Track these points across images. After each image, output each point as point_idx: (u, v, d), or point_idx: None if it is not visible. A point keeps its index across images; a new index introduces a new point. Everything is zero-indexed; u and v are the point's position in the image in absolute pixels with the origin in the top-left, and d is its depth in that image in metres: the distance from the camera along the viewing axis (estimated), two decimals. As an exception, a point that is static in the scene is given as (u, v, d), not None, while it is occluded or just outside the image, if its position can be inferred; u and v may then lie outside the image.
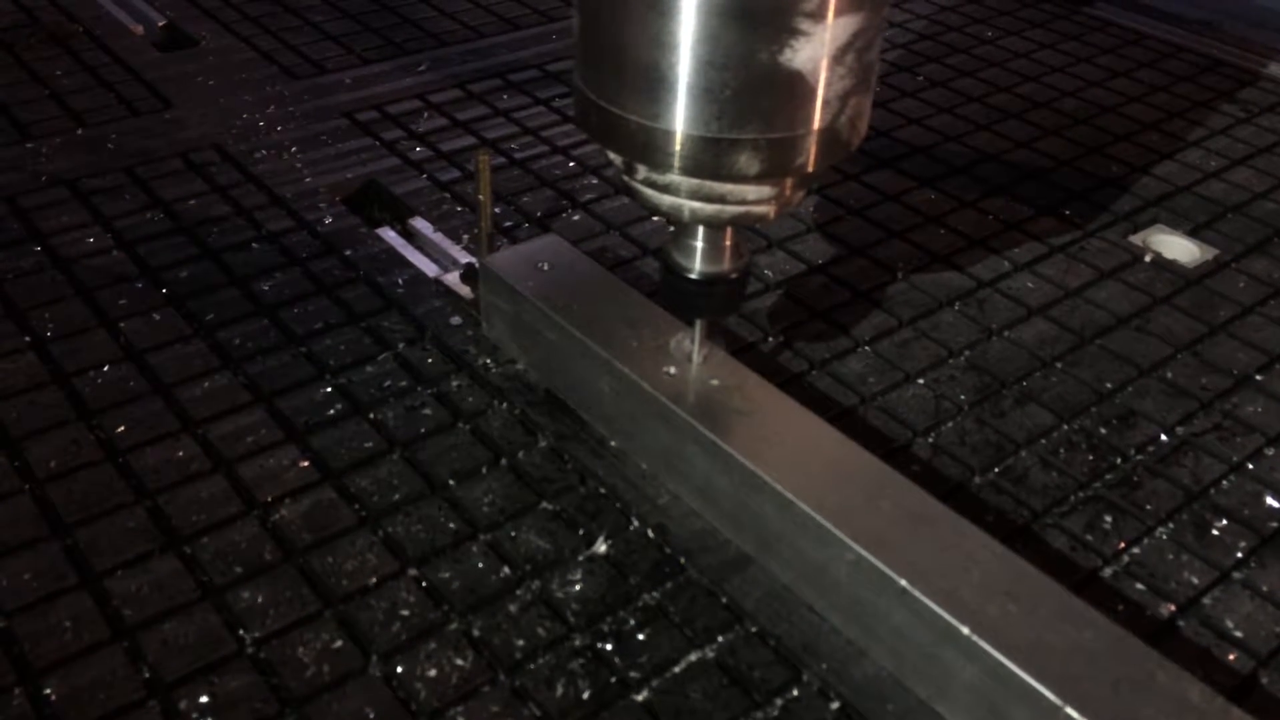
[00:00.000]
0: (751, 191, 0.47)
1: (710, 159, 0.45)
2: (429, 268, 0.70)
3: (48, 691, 0.44)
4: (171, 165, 0.78)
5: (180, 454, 0.55)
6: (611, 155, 0.49)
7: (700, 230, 0.51)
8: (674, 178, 0.47)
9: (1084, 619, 0.43)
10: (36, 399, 0.58)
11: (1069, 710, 0.40)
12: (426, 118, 0.86)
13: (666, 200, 0.49)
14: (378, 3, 1.05)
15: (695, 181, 0.46)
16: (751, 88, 0.43)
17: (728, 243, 0.52)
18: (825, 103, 0.44)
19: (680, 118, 0.44)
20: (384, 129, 0.85)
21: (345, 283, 0.68)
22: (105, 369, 0.60)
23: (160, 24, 1.00)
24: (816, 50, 0.43)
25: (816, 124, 0.45)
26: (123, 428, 0.56)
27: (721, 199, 0.47)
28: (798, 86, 0.43)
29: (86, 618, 0.47)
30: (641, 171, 0.48)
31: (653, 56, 0.44)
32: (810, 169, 0.46)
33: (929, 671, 0.45)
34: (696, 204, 0.48)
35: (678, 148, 0.45)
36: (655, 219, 0.75)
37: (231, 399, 0.58)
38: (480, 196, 0.62)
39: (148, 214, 0.73)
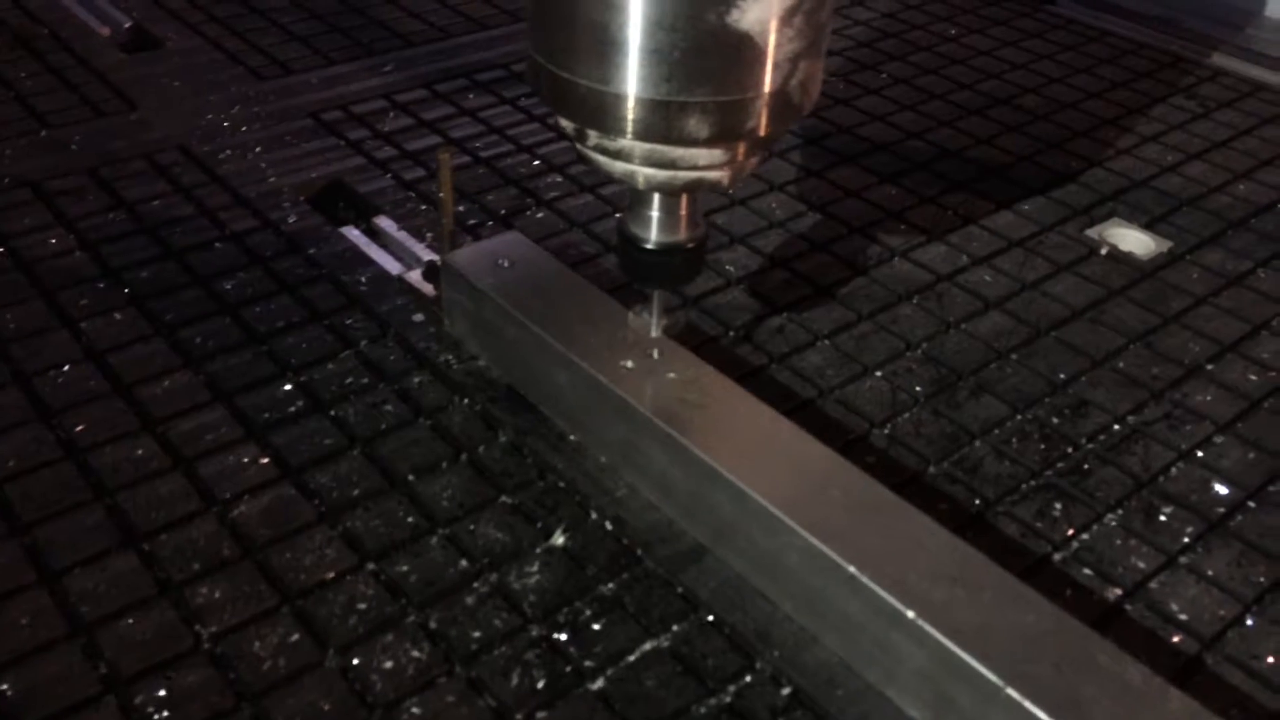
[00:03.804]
0: (703, 156, 0.47)
1: (661, 123, 0.45)
2: (392, 266, 0.70)
3: (4, 688, 0.44)
4: (135, 166, 0.78)
5: (140, 452, 0.55)
6: (563, 122, 0.49)
7: (655, 199, 0.51)
8: (626, 143, 0.47)
9: (1027, 603, 0.44)
10: (-4, 399, 0.58)
11: (1010, 691, 0.41)
12: (392, 117, 0.87)
13: (619, 166, 0.49)
14: (344, 3, 1.05)
15: (647, 146, 0.47)
16: (700, 49, 0.43)
17: (683, 211, 0.52)
18: (775, 65, 0.44)
19: (630, 81, 0.44)
20: (350, 129, 0.85)
21: (308, 281, 0.68)
22: (66, 369, 0.60)
23: (126, 25, 0.99)
24: (765, 11, 0.43)
25: (767, 87, 0.45)
26: (82, 427, 0.56)
27: (674, 164, 0.47)
28: (747, 48, 0.44)
29: (44, 615, 0.47)
30: (593, 137, 0.48)
31: (602, 18, 0.44)
32: (762, 133, 0.46)
33: (878, 656, 0.45)
34: (649, 170, 0.48)
35: (628, 112, 0.45)
36: (618, 215, 0.76)
37: (192, 397, 0.59)
38: (441, 194, 0.62)
39: (110, 215, 0.73)
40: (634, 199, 0.52)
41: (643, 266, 0.53)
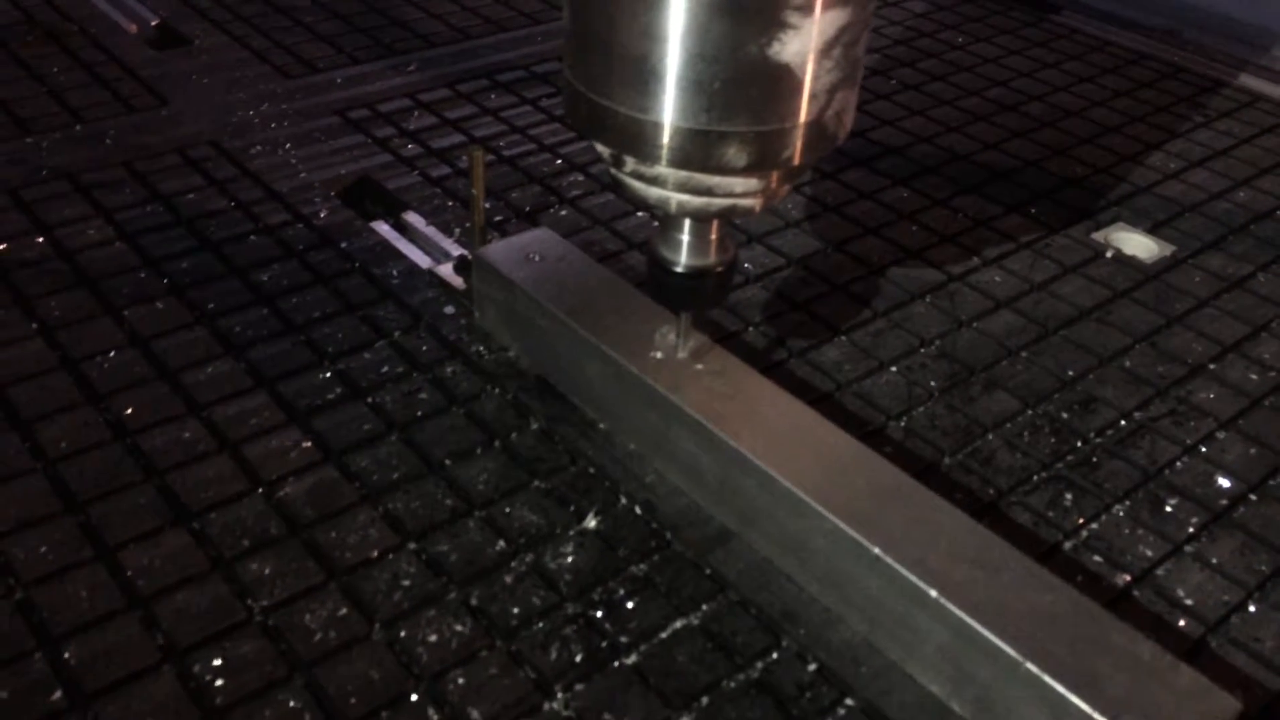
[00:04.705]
0: (739, 184, 0.48)
1: (699, 151, 0.46)
2: (422, 260, 0.72)
3: (66, 656, 0.46)
4: (169, 160, 0.80)
5: (187, 435, 0.57)
6: (599, 147, 0.50)
7: (686, 223, 0.52)
8: (662, 170, 0.48)
9: (1044, 584, 0.46)
10: (46, 383, 0.60)
11: (1029, 666, 0.43)
12: (417, 116, 0.89)
13: (654, 192, 0.50)
14: (366, 4, 1.08)
15: (683, 174, 0.48)
16: (740, 80, 0.44)
17: (714, 236, 0.53)
18: (813, 96, 0.46)
19: (669, 110, 0.46)
20: (376, 126, 0.87)
21: (341, 274, 0.70)
22: (111, 354, 0.62)
23: (153, 23, 1.02)
24: (805, 43, 0.44)
25: (804, 117, 0.46)
26: (130, 410, 0.58)
27: (709, 191, 0.49)
28: (786, 79, 0.45)
29: (102, 588, 0.49)
30: (630, 164, 0.49)
31: (642, 48, 0.45)
32: (797, 162, 0.47)
33: (900, 634, 0.48)
34: (684, 196, 0.49)
35: (666, 140, 0.46)
36: (640, 214, 0.78)
37: (234, 383, 0.61)
38: (474, 190, 0.65)
39: (147, 207, 0.75)
40: (664, 223, 0.53)
41: (672, 290, 0.54)
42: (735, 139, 0.46)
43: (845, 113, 0.48)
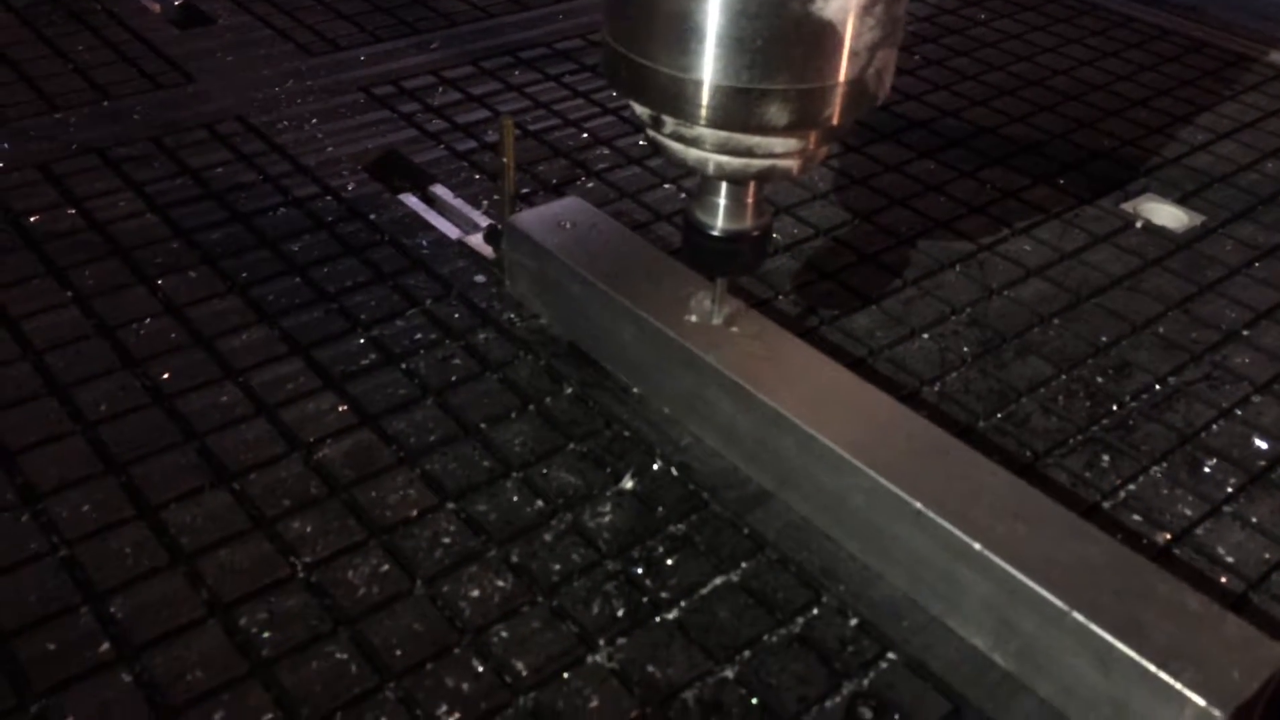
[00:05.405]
0: (779, 144, 0.48)
1: (740, 110, 0.46)
2: (451, 230, 0.72)
3: (113, 610, 0.46)
4: (196, 135, 0.80)
5: (224, 399, 0.57)
6: (638, 109, 0.50)
7: (723, 187, 0.52)
8: (702, 130, 0.48)
9: (1088, 536, 0.46)
10: (82, 349, 0.60)
11: (1075, 615, 0.43)
12: (441, 92, 0.89)
13: (693, 154, 0.50)
14: (387, -16, 1.08)
15: (724, 134, 0.48)
16: (783, 37, 0.44)
17: (750, 199, 0.53)
18: (854, 54, 0.46)
19: (710, 68, 0.46)
20: (401, 102, 0.87)
21: (371, 244, 0.70)
22: (147, 321, 0.62)
23: (176, 2, 1.02)
24: (847, 0, 0.44)
25: (845, 75, 0.46)
26: (167, 375, 0.58)
27: (749, 152, 0.49)
28: (828, 37, 0.45)
29: (145, 546, 0.49)
30: (669, 124, 0.49)
31: (684, 6, 0.45)
32: (837, 121, 0.47)
33: (942, 589, 0.48)
34: (724, 157, 0.49)
35: (707, 99, 0.46)
36: (667, 186, 0.78)
37: (269, 350, 0.61)
38: (504, 159, 0.65)
39: (177, 180, 0.75)
40: (701, 187, 0.53)
41: (709, 254, 0.54)
42: (776, 97, 0.46)
43: (885, 72, 0.48)
